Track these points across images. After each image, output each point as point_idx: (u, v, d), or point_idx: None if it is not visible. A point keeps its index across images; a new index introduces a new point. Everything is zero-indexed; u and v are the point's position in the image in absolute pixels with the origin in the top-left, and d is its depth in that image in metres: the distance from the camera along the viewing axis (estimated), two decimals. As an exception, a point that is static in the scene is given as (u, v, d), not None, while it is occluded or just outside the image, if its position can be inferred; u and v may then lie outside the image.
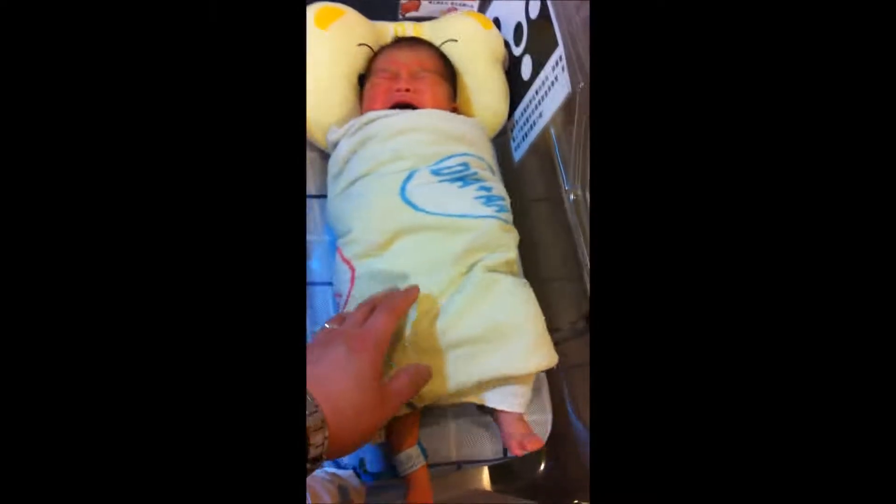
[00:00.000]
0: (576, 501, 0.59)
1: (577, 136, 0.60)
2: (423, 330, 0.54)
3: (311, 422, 0.38)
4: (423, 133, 0.61)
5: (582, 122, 0.59)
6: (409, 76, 0.66)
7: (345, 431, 0.40)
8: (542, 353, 0.57)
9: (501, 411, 0.57)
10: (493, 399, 0.57)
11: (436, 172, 0.60)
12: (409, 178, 0.59)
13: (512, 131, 0.76)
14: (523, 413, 0.58)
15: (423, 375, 0.49)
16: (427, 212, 0.58)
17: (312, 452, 0.37)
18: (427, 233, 0.57)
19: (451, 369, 0.55)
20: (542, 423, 0.63)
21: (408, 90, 0.65)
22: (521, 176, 0.74)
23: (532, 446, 0.56)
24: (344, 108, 0.68)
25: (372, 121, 0.62)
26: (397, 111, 0.63)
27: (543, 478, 0.65)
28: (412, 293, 0.53)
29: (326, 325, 0.51)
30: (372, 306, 0.51)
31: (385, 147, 0.61)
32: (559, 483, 0.64)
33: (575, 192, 0.61)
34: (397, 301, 0.51)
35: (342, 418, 0.40)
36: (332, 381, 0.42)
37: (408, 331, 0.54)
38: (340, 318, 0.52)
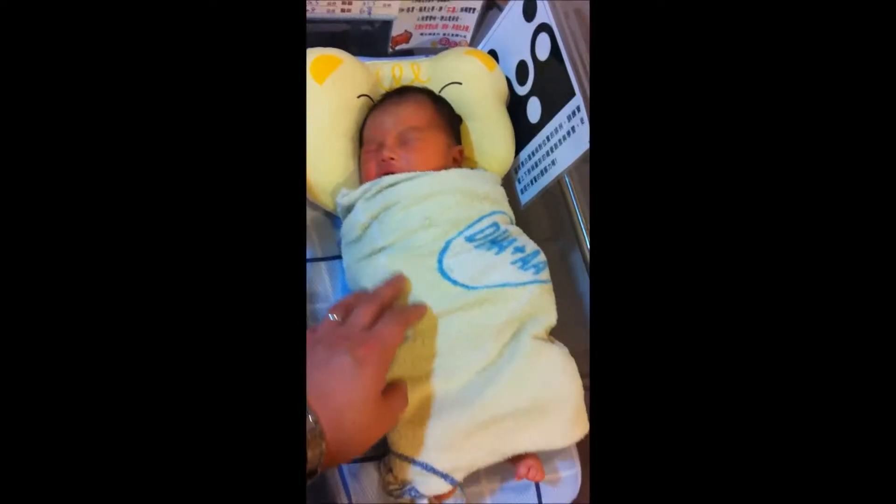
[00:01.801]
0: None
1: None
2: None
3: (308, 435, 0.38)
4: (450, 196, 0.59)
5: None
6: (394, 143, 0.62)
7: (342, 445, 0.40)
8: (580, 426, 0.58)
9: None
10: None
11: (470, 239, 0.58)
12: (444, 249, 0.57)
13: (517, 172, 0.73)
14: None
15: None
16: (469, 287, 0.56)
17: (307, 466, 0.37)
18: (470, 310, 0.56)
19: (491, 441, 0.54)
20: (572, 477, 0.64)
21: (392, 159, 0.61)
22: (527, 217, 0.73)
23: (535, 477, 0.58)
24: (347, 167, 0.64)
25: (392, 184, 0.59)
26: (418, 173, 0.59)
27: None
28: (421, 308, 0.53)
29: (330, 316, 0.49)
30: (379, 307, 0.49)
31: (412, 213, 0.58)
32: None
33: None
34: (408, 313, 0.50)
35: (341, 434, 0.40)
36: (335, 394, 0.41)
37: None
38: (344, 309, 0.49)
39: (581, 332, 0.66)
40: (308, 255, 0.64)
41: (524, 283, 0.58)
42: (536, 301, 0.58)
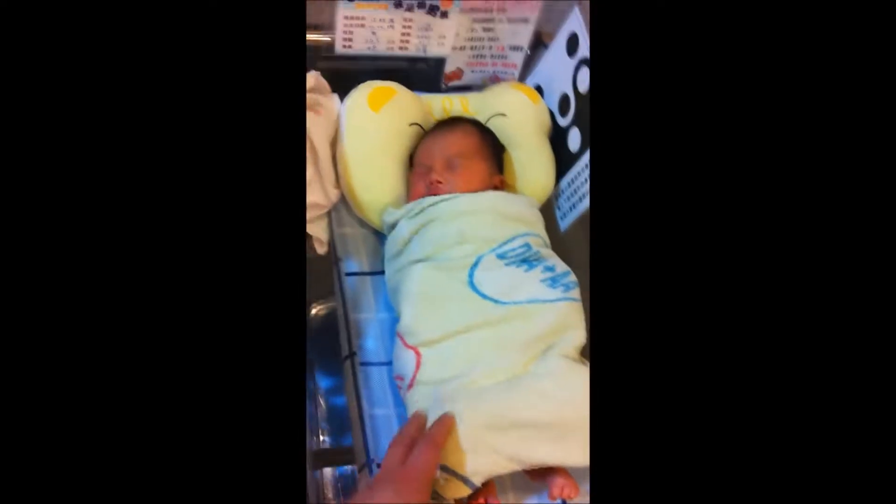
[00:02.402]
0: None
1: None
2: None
3: None
4: (484, 215, 0.62)
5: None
6: (442, 167, 0.67)
7: None
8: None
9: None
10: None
11: (501, 256, 0.61)
12: (475, 264, 0.60)
13: (557, 199, 0.76)
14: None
15: None
16: (497, 301, 0.59)
17: None
18: (498, 324, 0.58)
19: (511, 447, 0.55)
20: None
21: (439, 182, 0.66)
22: (566, 245, 0.75)
23: (570, 494, 0.57)
24: (395, 189, 0.69)
25: (433, 204, 0.64)
26: (458, 194, 0.64)
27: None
28: (448, 422, 0.54)
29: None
30: (409, 442, 0.52)
31: (448, 229, 0.62)
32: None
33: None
34: (437, 434, 0.52)
35: None
36: None
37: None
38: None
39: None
40: (355, 269, 0.69)
41: (552, 301, 0.59)
42: (565, 318, 0.59)
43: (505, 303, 0.59)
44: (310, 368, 0.83)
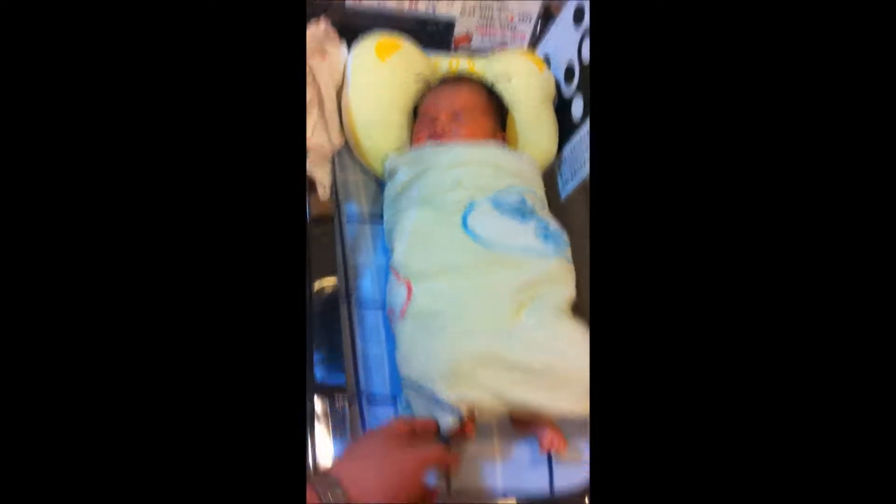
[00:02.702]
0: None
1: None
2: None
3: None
4: (482, 166, 0.63)
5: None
6: (447, 119, 0.68)
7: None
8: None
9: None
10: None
11: (496, 204, 0.61)
12: (469, 208, 0.61)
13: (559, 167, 0.77)
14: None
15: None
16: (489, 245, 0.59)
17: None
18: (489, 266, 0.58)
19: (498, 385, 0.55)
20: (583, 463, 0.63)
21: (443, 132, 0.67)
22: (567, 211, 0.75)
23: (558, 446, 0.58)
24: (399, 138, 0.70)
25: (433, 151, 0.64)
26: (458, 143, 0.64)
27: (590, 514, 0.65)
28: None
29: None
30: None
31: (445, 176, 0.62)
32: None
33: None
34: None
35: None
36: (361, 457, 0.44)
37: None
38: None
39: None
40: (355, 215, 0.68)
41: (544, 255, 0.60)
42: (555, 274, 0.60)
43: (496, 248, 0.59)
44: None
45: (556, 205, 0.76)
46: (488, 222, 0.60)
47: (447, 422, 0.54)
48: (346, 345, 0.63)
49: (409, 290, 0.59)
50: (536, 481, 0.61)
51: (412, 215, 0.61)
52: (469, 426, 0.57)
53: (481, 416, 0.58)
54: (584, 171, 0.71)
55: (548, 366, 0.56)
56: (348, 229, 0.67)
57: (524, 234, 0.60)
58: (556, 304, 0.59)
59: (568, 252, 0.63)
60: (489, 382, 0.55)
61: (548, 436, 0.59)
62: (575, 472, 0.63)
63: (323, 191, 0.70)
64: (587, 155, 0.71)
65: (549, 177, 0.77)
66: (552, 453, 0.62)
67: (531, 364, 0.55)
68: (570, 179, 0.74)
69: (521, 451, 0.62)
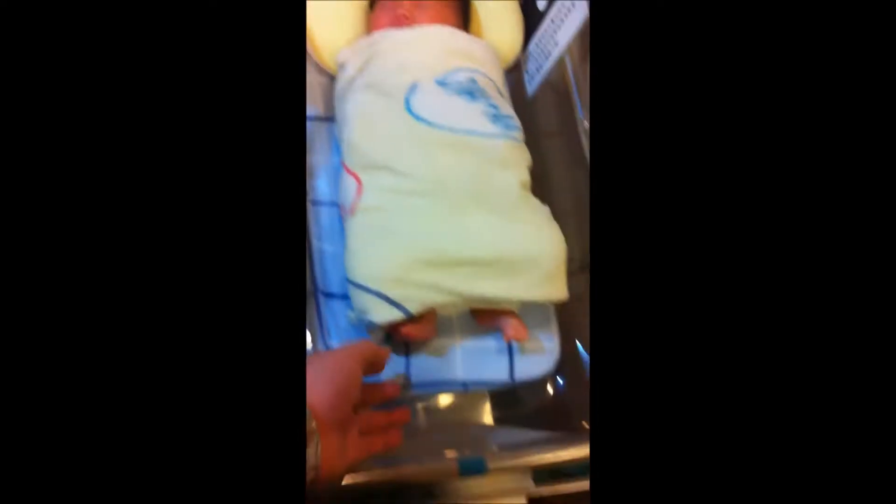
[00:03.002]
0: (583, 422, 0.60)
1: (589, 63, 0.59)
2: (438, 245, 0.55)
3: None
4: (428, 46, 0.61)
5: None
6: (411, 3, 0.65)
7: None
8: (555, 285, 0.57)
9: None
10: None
11: (441, 83, 0.59)
12: (412, 89, 0.59)
13: (525, 64, 0.75)
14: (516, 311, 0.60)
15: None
16: (434, 125, 0.57)
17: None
18: (435, 148, 0.56)
19: (450, 281, 0.54)
20: (550, 351, 0.63)
21: (407, 17, 0.64)
22: (534, 109, 0.73)
23: (520, 335, 0.58)
24: (354, 30, 0.68)
25: (378, 39, 0.62)
26: (405, 29, 0.63)
27: (551, 402, 0.66)
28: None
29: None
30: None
31: (389, 60, 0.60)
32: (564, 407, 0.65)
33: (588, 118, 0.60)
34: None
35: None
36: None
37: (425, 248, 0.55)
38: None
39: (580, 222, 0.66)
40: (312, 114, 0.68)
41: (492, 136, 0.58)
42: (505, 155, 0.58)
43: (441, 127, 0.57)
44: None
45: (524, 102, 0.75)
46: (432, 102, 0.58)
47: (391, 315, 0.53)
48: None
49: (359, 183, 0.58)
50: (497, 372, 0.62)
51: (355, 100, 0.60)
52: (426, 327, 0.58)
53: (440, 313, 0.59)
54: (548, 65, 0.69)
55: (500, 255, 0.55)
56: (307, 128, 0.67)
57: (472, 116, 0.58)
58: (507, 188, 0.58)
59: (519, 135, 0.61)
60: (442, 282, 0.54)
61: (511, 326, 0.59)
62: (536, 362, 0.63)
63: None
64: (551, 48, 0.68)
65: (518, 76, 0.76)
66: (515, 344, 0.62)
67: (483, 256, 0.55)
68: (536, 74, 0.72)
69: (482, 344, 0.62)
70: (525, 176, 0.60)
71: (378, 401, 0.53)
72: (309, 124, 0.67)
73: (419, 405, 0.65)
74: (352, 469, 0.46)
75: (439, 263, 0.54)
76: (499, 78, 0.66)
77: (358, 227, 0.57)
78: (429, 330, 0.59)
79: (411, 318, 0.55)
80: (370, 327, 0.56)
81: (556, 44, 0.67)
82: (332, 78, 0.70)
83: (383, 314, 0.54)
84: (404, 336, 0.56)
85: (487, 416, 0.66)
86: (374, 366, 0.50)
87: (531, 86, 0.73)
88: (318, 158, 0.66)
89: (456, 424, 0.66)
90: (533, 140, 0.68)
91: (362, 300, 0.54)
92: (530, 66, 0.74)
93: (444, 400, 0.66)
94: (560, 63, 0.68)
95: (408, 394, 0.61)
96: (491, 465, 0.52)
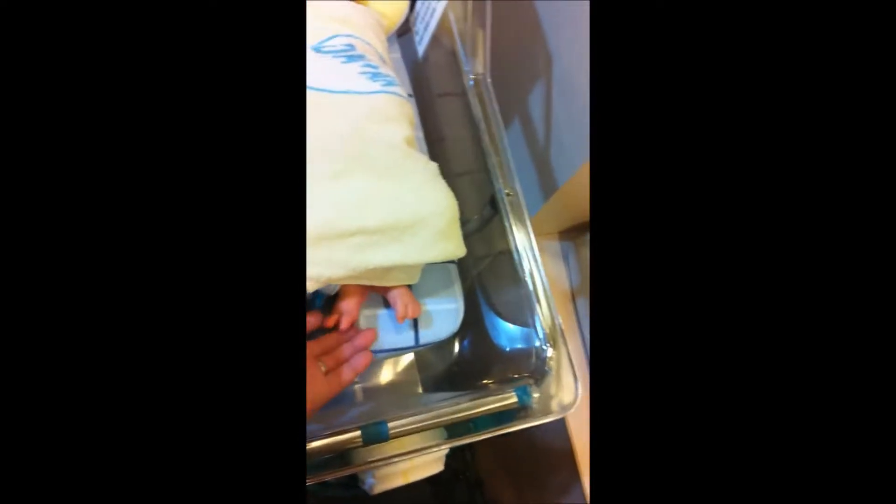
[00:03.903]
0: (485, 381, 0.62)
1: (471, 13, 0.59)
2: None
3: None
4: (306, 13, 0.59)
5: (476, -1, 0.58)
6: None
7: None
8: (450, 243, 0.57)
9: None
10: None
11: (316, 49, 0.57)
12: None
13: (414, 27, 0.73)
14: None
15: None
16: (311, 88, 0.55)
17: None
18: (313, 110, 0.54)
19: (340, 254, 0.53)
20: (454, 311, 0.64)
21: None
22: (426, 71, 0.72)
23: (413, 313, 0.59)
24: None
25: None
26: None
27: (457, 363, 0.67)
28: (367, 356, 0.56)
29: None
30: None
31: None
32: (471, 367, 0.66)
33: (475, 73, 0.60)
34: (357, 365, 0.55)
35: None
36: None
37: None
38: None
39: (473, 181, 0.66)
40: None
41: (371, 93, 0.56)
42: (386, 110, 0.56)
43: (318, 88, 0.55)
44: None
45: (417, 65, 0.74)
46: (309, 68, 0.56)
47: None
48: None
49: None
50: (403, 341, 0.62)
51: None
52: (353, 299, 0.57)
53: (339, 288, 0.58)
54: (434, 19, 0.68)
55: (388, 221, 0.54)
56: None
57: (347, 75, 0.56)
58: (389, 146, 0.56)
59: (398, 89, 0.59)
60: (334, 254, 0.53)
61: (401, 304, 0.59)
62: (441, 327, 0.64)
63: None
64: (436, 4, 0.67)
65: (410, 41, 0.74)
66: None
67: (371, 224, 0.53)
68: (424, 33, 0.71)
69: (386, 311, 0.62)
70: (408, 131, 0.58)
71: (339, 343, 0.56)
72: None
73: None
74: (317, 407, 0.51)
75: (326, 238, 0.53)
76: (380, 44, 0.64)
77: None
78: (362, 297, 0.59)
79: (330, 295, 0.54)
80: None
81: None
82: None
83: None
84: (345, 313, 0.57)
85: (390, 380, 0.67)
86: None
87: (420, 46, 0.72)
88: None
89: (364, 391, 0.67)
90: (429, 101, 0.67)
91: None
92: (418, 25, 0.72)
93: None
94: (445, 20, 0.67)
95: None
96: (394, 430, 0.52)
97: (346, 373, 0.52)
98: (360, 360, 0.55)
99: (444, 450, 0.62)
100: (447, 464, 0.65)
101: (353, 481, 0.65)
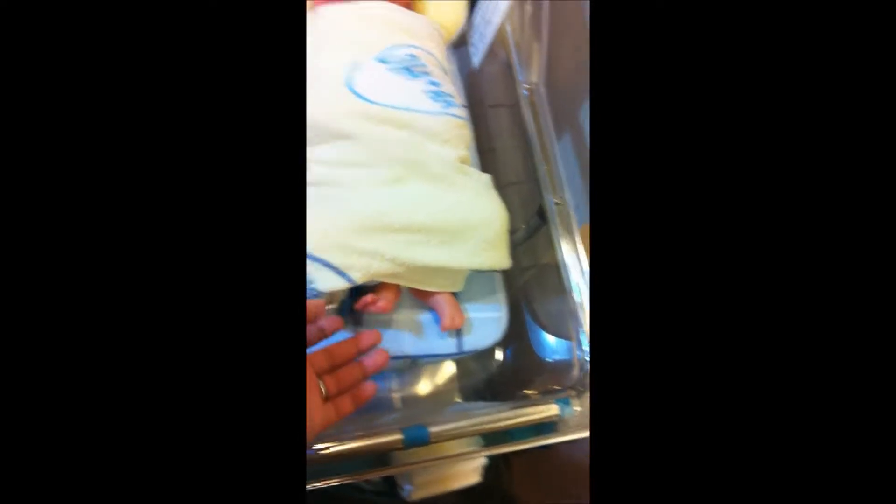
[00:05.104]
0: (526, 392, 0.61)
1: (529, 25, 0.59)
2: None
3: None
4: (367, 21, 0.61)
5: (535, 9, 0.58)
6: None
7: None
8: (497, 253, 0.58)
9: (436, 292, 0.59)
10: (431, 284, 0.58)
11: (382, 60, 0.59)
12: (354, 68, 0.59)
13: (470, 36, 0.74)
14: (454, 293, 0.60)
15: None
16: (373, 102, 0.57)
17: None
18: (375, 122, 0.57)
19: (393, 249, 0.54)
20: (497, 320, 0.64)
21: None
22: (480, 82, 0.73)
23: (458, 324, 0.58)
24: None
25: (319, 14, 0.62)
26: (345, 3, 0.62)
27: (498, 373, 0.67)
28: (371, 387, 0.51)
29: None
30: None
31: (330, 36, 0.60)
32: (513, 377, 0.66)
33: (529, 83, 0.60)
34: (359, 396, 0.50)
35: None
36: None
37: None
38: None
39: (524, 192, 0.66)
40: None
41: (431, 113, 0.58)
42: (443, 132, 0.58)
43: (381, 104, 0.57)
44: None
45: (472, 76, 0.74)
46: (373, 79, 0.58)
47: (334, 283, 0.54)
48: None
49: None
50: (445, 347, 0.62)
51: None
52: (387, 298, 0.58)
53: (383, 279, 0.59)
54: (491, 31, 0.69)
55: (438, 222, 0.55)
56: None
57: (411, 92, 0.58)
58: (443, 161, 0.58)
59: (459, 112, 0.61)
60: (383, 248, 0.54)
61: (447, 314, 0.59)
62: (484, 333, 0.64)
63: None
64: (492, 12, 0.68)
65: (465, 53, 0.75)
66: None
67: (421, 222, 0.55)
68: (479, 44, 0.72)
69: (429, 316, 0.63)
70: (463, 152, 0.60)
71: (350, 356, 0.51)
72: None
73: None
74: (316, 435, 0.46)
75: (379, 230, 0.55)
76: (440, 53, 0.66)
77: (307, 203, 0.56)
78: (395, 299, 0.59)
79: (363, 289, 0.55)
80: (315, 296, 0.56)
81: (497, 8, 0.67)
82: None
83: (328, 282, 0.54)
84: (366, 309, 0.57)
85: (436, 388, 0.67)
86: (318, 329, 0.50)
87: (476, 57, 0.73)
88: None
89: (403, 399, 0.67)
90: (481, 112, 0.68)
91: (308, 269, 0.54)
92: (474, 37, 0.73)
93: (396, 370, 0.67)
94: (502, 32, 0.67)
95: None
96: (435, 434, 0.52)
97: (347, 404, 0.48)
98: (365, 390, 0.49)
99: (482, 459, 0.62)
100: (482, 477, 0.64)
101: (392, 488, 0.65)
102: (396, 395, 0.71)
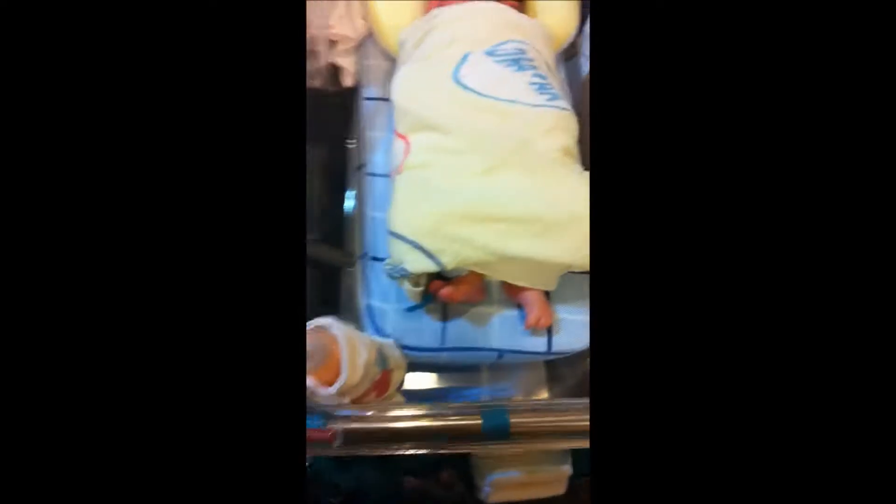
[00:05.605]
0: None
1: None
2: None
3: None
4: (479, 20, 0.64)
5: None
6: None
7: None
8: (587, 251, 0.57)
9: (527, 288, 0.58)
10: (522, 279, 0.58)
11: (489, 53, 0.62)
12: (462, 60, 0.62)
13: (582, 48, 0.75)
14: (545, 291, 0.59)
15: None
16: (478, 93, 0.59)
17: None
18: (478, 112, 0.59)
19: (484, 237, 0.55)
20: (583, 324, 0.62)
21: None
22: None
23: (545, 323, 0.58)
24: (413, 14, 0.72)
25: (435, 15, 0.67)
26: (459, 4, 0.66)
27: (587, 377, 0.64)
28: None
29: None
30: None
31: (443, 34, 0.64)
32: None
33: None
34: None
35: None
36: None
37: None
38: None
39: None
40: (373, 95, 0.73)
41: (536, 105, 0.59)
42: (549, 123, 0.59)
43: (486, 95, 0.59)
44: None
45: (583, 84, 0.75)
46: (480, 72, 0.61)
47: (425, 265, 0.55)
48: (357, 210, 0.67)
49: (407, 144, 0.61)
50: (534, 346, 0.61)
51: (408, 70, 0.64)
52: (466, 289, 0.59)
53: (473, 268, 0.59)
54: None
55: (534, 214, 0.56)
56: (367, 105, 0.72)
57: (516, 85, 0.60)
58: (546, 152, 0.58)
59: (562, 102, 0.62)
60: (476, 236, 0.55)
61: (534, 312, 0.59)
62: (575, 337, 0.62)
63: (349, 77, 0.75)
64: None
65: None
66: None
67: (516, 213, 0.56)
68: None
69: (518, 318, 0.62)
70: (568, 142, 0.60)
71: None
72: (370, 104, 0.72)
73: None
74: None
75: (473, 218, 0.56)
76: (548, 52, 0.67)
77: (402, 183, 0.60)
78: (469, 293, 0.60)
79: (448, 278, 0.56)
80: (404, 276, 0.58)
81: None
82: (395, 62, 0.74)
83: (417, 263, 0.55)
84: (443, 298, 0.58)
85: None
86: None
87: (587, 66, 0.74)
88: (376, 134, 0.70)
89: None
90: (585, 120, 0.68)
91: (399, 250, 0.57)
92: (585, 47, 0.74)
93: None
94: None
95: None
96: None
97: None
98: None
99: (568, 468, 0.59)
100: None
101: (470, 489, 0.64)
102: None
